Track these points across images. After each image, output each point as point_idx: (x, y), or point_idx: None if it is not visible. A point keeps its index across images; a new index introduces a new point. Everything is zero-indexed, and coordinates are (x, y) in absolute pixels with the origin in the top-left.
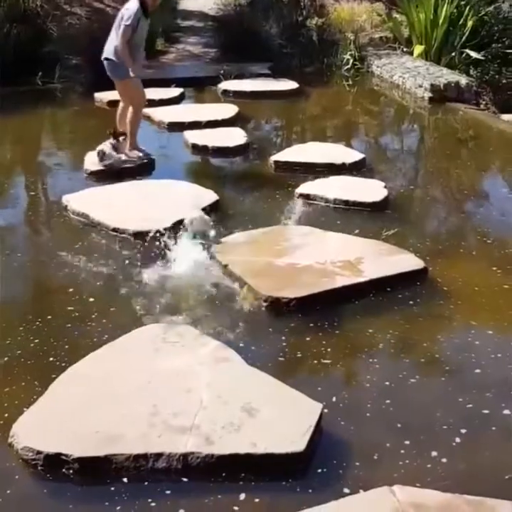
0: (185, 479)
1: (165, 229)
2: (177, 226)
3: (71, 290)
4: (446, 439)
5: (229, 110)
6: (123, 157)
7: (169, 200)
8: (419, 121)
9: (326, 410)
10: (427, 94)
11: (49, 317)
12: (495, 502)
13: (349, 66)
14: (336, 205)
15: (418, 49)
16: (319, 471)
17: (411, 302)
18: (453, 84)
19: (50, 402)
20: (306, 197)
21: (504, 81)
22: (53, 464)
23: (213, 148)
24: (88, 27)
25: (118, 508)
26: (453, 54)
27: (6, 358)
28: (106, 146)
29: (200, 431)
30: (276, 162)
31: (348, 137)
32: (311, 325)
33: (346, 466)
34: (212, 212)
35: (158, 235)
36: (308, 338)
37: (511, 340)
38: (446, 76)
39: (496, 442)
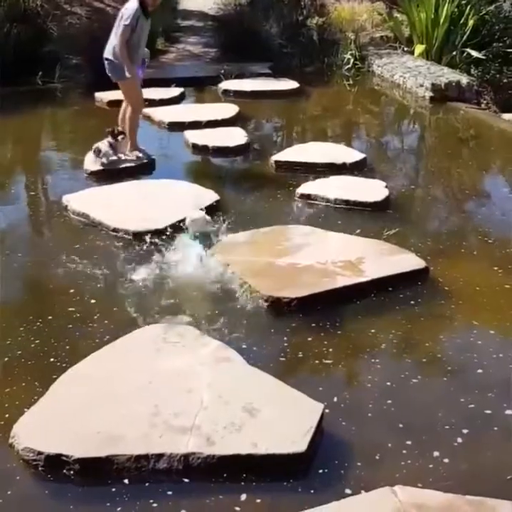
0: (186, 480)
1: (165, 229)
2: (177, 226)
3: (71, 290)
4: (448, 439)
5: (229, 110)
6: (120, 156)
7: (169, 200)
8: (420, 120)
9: (327, 410)
10: (428, 94)
11: (50, 317)
12: (496, 502)
13: (350, 66)
14: (337, 205)
15: (419, 48)
16: (320, 471)
17: (412, 302)
18: (454, 84)
19: (51, 402)
20: (306, 197)
21: (505, 80)
22: (54, 464)
23: (214, 148)
24: (88, 27)
25: (119, 508)
26: (454, 53)
27: (6, 359)
28: (103, 144)
29: (201, 431)
30: (276, 162)
31: (348, 137)
32: (312, 325)
33: (348, 466)
34: (212, 212)
35: (158, 235)
36: (309, 338)
37: None
38: (447, 75)
39: (498, 442)
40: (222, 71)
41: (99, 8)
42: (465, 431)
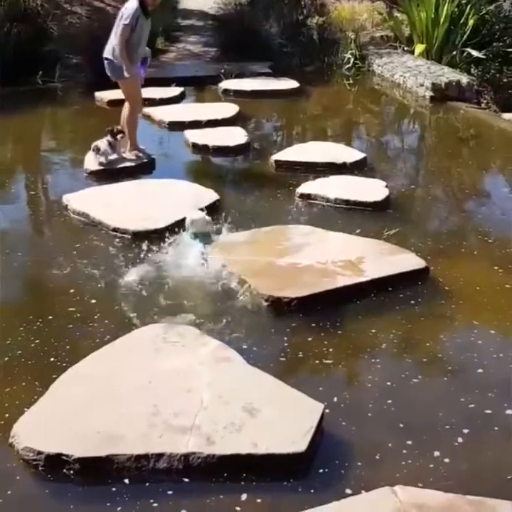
0: (186, 479)
1: (165, 229)
2: (177, 226)
3: (71, 290)
4: (449, 439)
5: (229, 109)
6: (118, 155)
7: (169, 199)
8: (420, 120)
9: (327, 410)
10: (428, 93)
11: (50, 317)
12: (496, 502)
13: (350, 65)
14: (337, 205)
15: (419, 48)
16: (321, 471)
17: (412, 302)
18: (454, 83)
19: (51, 402)
20: (307, 196)
21: (505, 80)
22: (54, 464)
23: (214, 148)
24: (88, 26)
25: (119, 508)
26: (454, 53)
27: (6, 358)
28: (102, 142)
29: (201, 431)
30: (276, 161)
31: (348, 136)
32: (313, 325)
33: (348, 466)
34: (212, 212)
35: (158, 234)
36: (309, 338)
37: None
38: (447, 75)
39: (498, 442)
40: (223, 70)
41: (99, 7)
42: (465, 431)
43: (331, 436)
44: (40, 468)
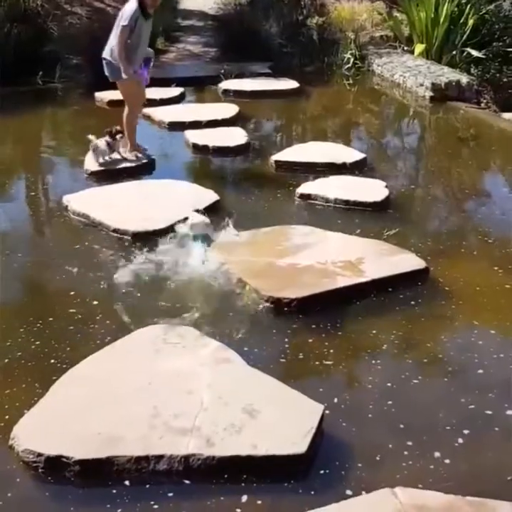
0: (187, 481)
1: (165, 229)
2: (178, 227)
3: (71, 291)
4: (449, 440)
5: (229, 110)
6: (116, 155)
7: (170, 200)
8: (420, 120)
9: (327, 411)
10: (428, 93)
11: (50, 319)
12: (496, 503)
13: (350, 65)
14: (337, 205)
15: (419, 48)
16: (321, 472)
17: (412, 302)
18: (454, 83)
19: (51, 403)
20: (306, 197)
21: (505, 80)
22: (54, 466)
23: (214, 148)
24: (89, 26)
25: (119, 510)
26: (454, 53)
27: (6, 360)
28: (101, 142)
29: (201, 432)
30: (276, 162)
31: (348, 137)
32: (313, 326)
33: (348, 467)
34: (212, 213)
35: (158, 235)
36: (309, 339)
37: None
38: (447, 75)
39: (499, 443)
40: (222, 71)
41: (99, 8)
42: (466, 431)
43: (331, 437)
44: (40, 471)
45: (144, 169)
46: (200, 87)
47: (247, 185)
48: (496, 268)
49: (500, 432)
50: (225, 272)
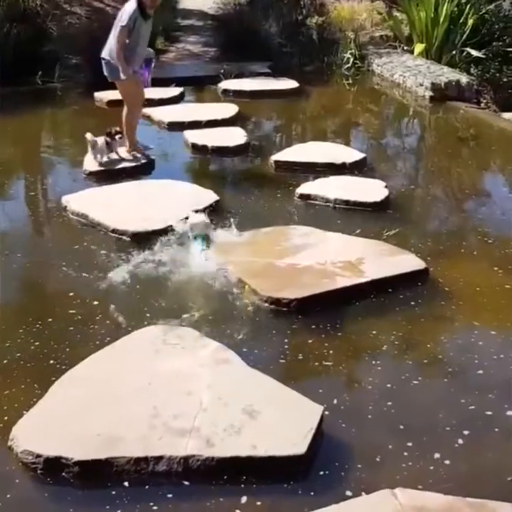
0: (186, 482)
1: (165, 230)
2: (177, 227)
3: (70, 291)
4: (449, 441)
5: (229, 110)
6: (114, 155)
7: (169, 200)
8: (419, 120)
9: (327, 412)
10: (428, 93)
11: (49, 320)
12: (496, 504)
13: (349, 65)
14: (337, 205)
15: (419, 47)
16: (321, 473)
17: (412, 303)
18: (454, 83)
19: (50, 404)
20: (306, 197)
21: (505, 79)
22: (53, 467)
23: (213, 148)
24: (88, 26)
25: (119, 511)
26: (454, 52)
27: (5, 361)
28: (100, 140)
29: (200, 433)
30: (276, 162)
31: (348, 136)
32: (313, 326)
33: (348, 468)
34: (212, 213)
35: (157, 235)
36: (309, 340)
37: None
38: (446, 74)
39: (499, 444)
40: (222, 70)
41: (98, 7)
42: (466, 432)
43: (330, 438)
44: (39, 472)
45: (143, 169)
46: (199, 86)
47: (247, 186)
48: (495, 268)
49: (500, 432)
50: (224, 273)
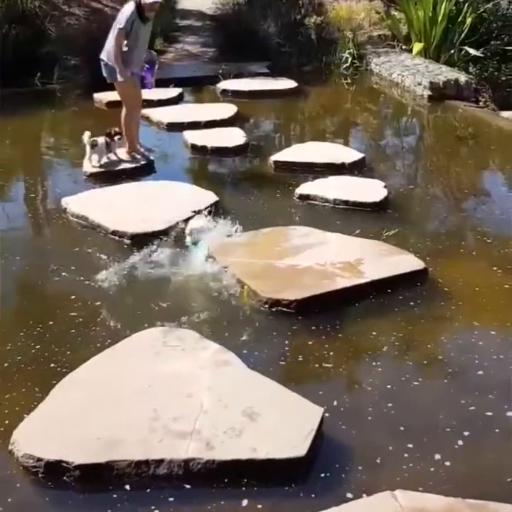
0: (187, 486)
1: (165, 231)
2: (177, 228)
3: (70, 294)
4: (449, 442)
5: (228, 110)
6: (113, 156)
7: (169, 201)
8: (418, 119)
9: (327, 414)
10: (426, 92)
11: (50, 322)
12: (497, 505)
13: (348, 64)
14: (336, 206)
15: (417, 47)
16: (322, 475)
17: (412, 303)
18: (452, 82)
19: (51, 408)
20: (306, 197)
21: (503, 78)
22: (54, 471)
23: (212, 149)
24: (87, 27)
25: None
26: (452, 51)
27: (6, 364)
28: (100, 139)
29: (201, 436)
30: (275, 162)
31: (347, 136)
32: (313, 327)
33: (349, 470)
34: (211, 214)
35: (157, 237)
36: (309, 341)
37: None
38: (445, 74)
39: (499, 445)
40: (221, 71)
41: (97, 8)
42: (466, 433)
43: (331, 440)
44: (40, 475)
45: (143, 170)
46: (198, 87)
47: (246, 186)
48: (495, 268)
49: (500, 433)
50: (224, 274)
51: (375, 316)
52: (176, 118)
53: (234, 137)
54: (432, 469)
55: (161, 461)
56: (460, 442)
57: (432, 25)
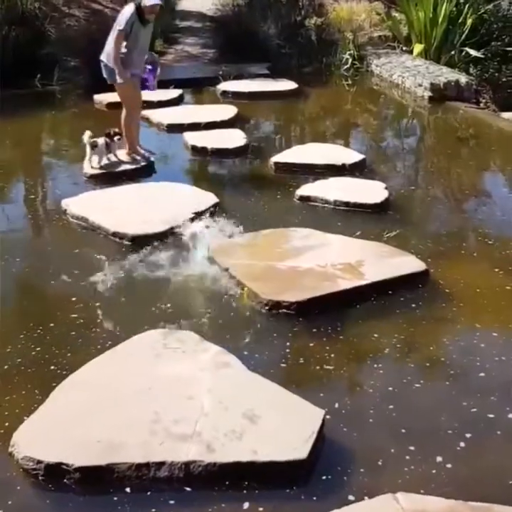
0: (188, 488)
1: (165, 232)
2: (177, 229)
3: (71, 296)
4: (451, 444)
5: (228, 111)
6: (113, 157)
7: (169, 202)
8: (419, 120)
9: (328, 416)
10: (427, 93)
11: (50, 324)
12: (499, 508)
13: (348, 66)
14: (337, 207)
15: (417, 48)
16: (323, 478)
17: (413, 305)
18: (453, 83)
19: (51, 410)
20: (306, 199)
21: (504, 79)
22: (54, 473)
23: (213, 150)
24: (86, 29)
25: None
26: (452, 52)
27: (6, 367)
28: (100, 140)
29: (201, 438)
30: (276, 163)
31: (347, 138)
32: (313, 330)
33: (350, 472)
34: (212, 215)
35: (158, 238)
36: (310, 343)
37: None
38: (445, 75)
39: (501, 447)
40: (221, 72)
41: (97, 10)
42: (468, 435)
43: (332, 442)
44: (40, 478)
45: (144, 172)
46: (198, 88)
47: (247, 187)
48: (496, 269)
49: (502, 435)
50: (224, 275)
51: (376, 318)
52: (176, 119)
53: (234, 138)
54: (434, 471)
55: (162, 463)
56: (462, 444)
57: (432, 26)
